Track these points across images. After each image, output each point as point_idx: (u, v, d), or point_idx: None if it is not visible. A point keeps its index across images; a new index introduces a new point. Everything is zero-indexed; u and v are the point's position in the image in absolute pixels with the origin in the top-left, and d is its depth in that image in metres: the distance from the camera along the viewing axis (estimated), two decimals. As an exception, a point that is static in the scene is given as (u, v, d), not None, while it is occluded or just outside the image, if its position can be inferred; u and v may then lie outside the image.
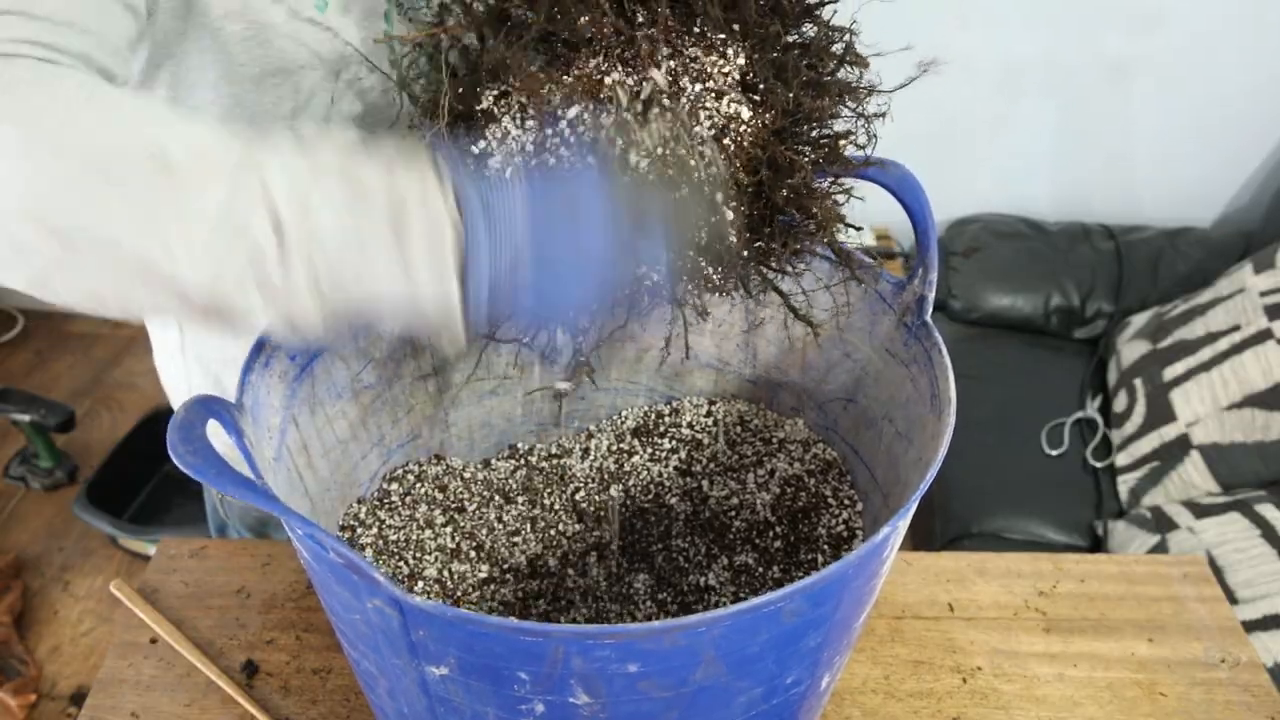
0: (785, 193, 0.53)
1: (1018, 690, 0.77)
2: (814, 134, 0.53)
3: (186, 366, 0.85)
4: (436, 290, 0.44)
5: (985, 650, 0.79)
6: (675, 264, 0.48)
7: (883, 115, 0.54)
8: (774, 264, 0.56)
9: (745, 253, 0.54)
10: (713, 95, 0.50)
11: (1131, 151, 2.01)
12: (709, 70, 0.50)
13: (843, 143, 0.54)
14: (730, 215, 0.51)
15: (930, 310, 0.61)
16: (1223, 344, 1.60)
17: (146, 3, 0.54)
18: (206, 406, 0.50)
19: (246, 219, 0.41)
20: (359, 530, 0.70)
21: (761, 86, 0.51)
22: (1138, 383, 1.70)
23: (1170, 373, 1.64)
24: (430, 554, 0.68)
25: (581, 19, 0.49)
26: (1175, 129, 1.96)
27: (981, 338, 1.93)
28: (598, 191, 0.46)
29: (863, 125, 0.54)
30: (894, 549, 0.53)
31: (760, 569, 0.66)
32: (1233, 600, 1.34)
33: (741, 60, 0.51)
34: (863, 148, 0.55)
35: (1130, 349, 1.77)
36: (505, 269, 0.44)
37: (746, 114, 0.51)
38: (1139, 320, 1.83)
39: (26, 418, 1.94)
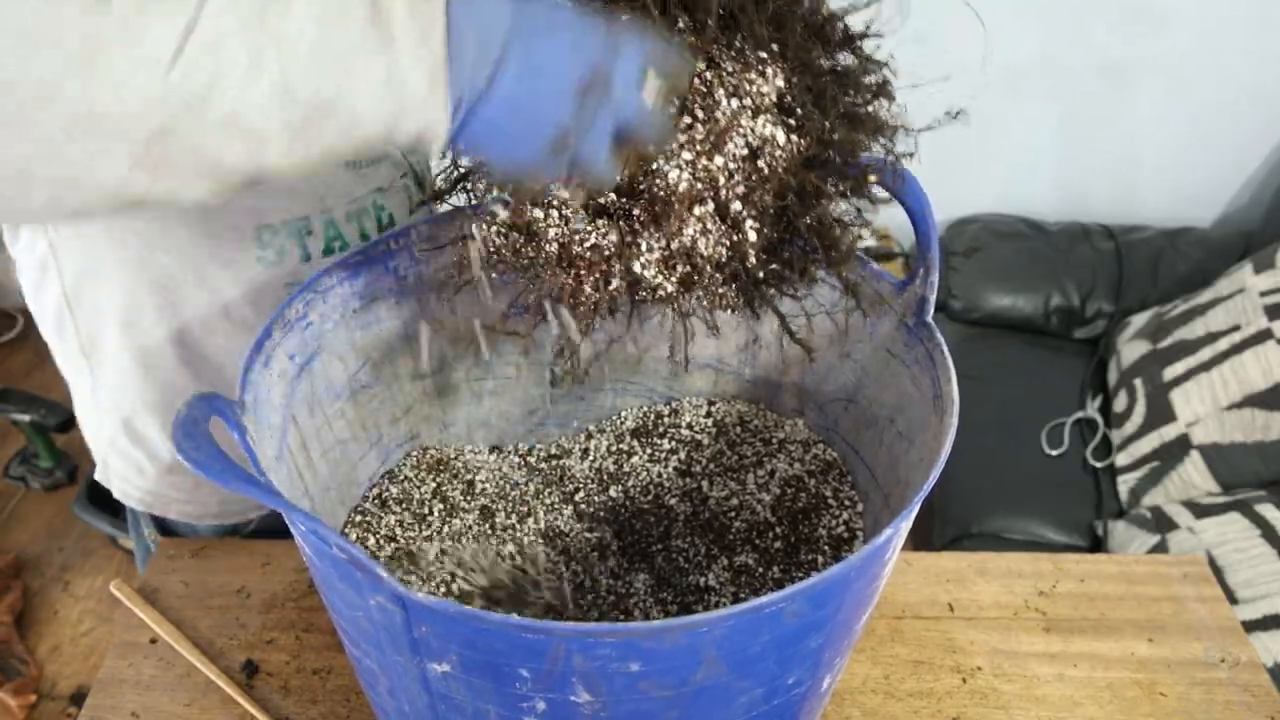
0: (809, 220, 0.52)
1: (1018, 690, 0.77)
2: (843, 166, 0.53)
3: (100, 414, 0.83)
4: (417, 65, 0.39)
5: (985, 650, 0.79)
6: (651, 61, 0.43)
7: (912, 155, 0.54)
8: (785, 288, 0.56)
9: (761, 274, 0.54)
10: (749, 113, 0.50)
11: (1132, 151, 2.01)
12: (747, 88, 0.50)
13: (871, 177, 0.53)
14: (752, 235, 0.51)
15: (932, 311, 0.61)
16: (1223, 344, 1.60)
17: None
18: (210, 403, 0.50)
19: (206, 29, 0.36)
20: (359, 530, 0.70)
21: (799, 111, 0.51)
22: (1138, 383, 1.70)
23: (1170, 373, 1.64)
24: (430, 553, 0.68)
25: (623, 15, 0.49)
26: (1175, 129, 1.96)
27: (981, 338, 1.93)
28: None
29: (891, 162, 0.53)
30: (896, 550, 0.53)
31: (760, 569, 0.66)
32: (1233, 600, 1.34)
33: (780, 82, 0.50)
34: (889, 187, 0.55)
35: (1130, 349, 1.77)
36: (495, 25, 0.40)
37: (781, 138, 0.50)
38: (1139, 320, 1.83)
39: (26, 418, 1.94)
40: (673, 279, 0.52)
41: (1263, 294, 1.59)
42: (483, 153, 0.43)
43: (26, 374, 2.43)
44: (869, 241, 2.09)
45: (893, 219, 2.03)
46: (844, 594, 0.49)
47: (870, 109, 0.52)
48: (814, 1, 0.50)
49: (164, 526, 0.92)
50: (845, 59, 0.52)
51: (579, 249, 0.52)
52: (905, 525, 0.50)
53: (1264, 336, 1.55)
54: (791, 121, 0.51)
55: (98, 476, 0.90)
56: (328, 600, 0.55)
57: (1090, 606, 0.83)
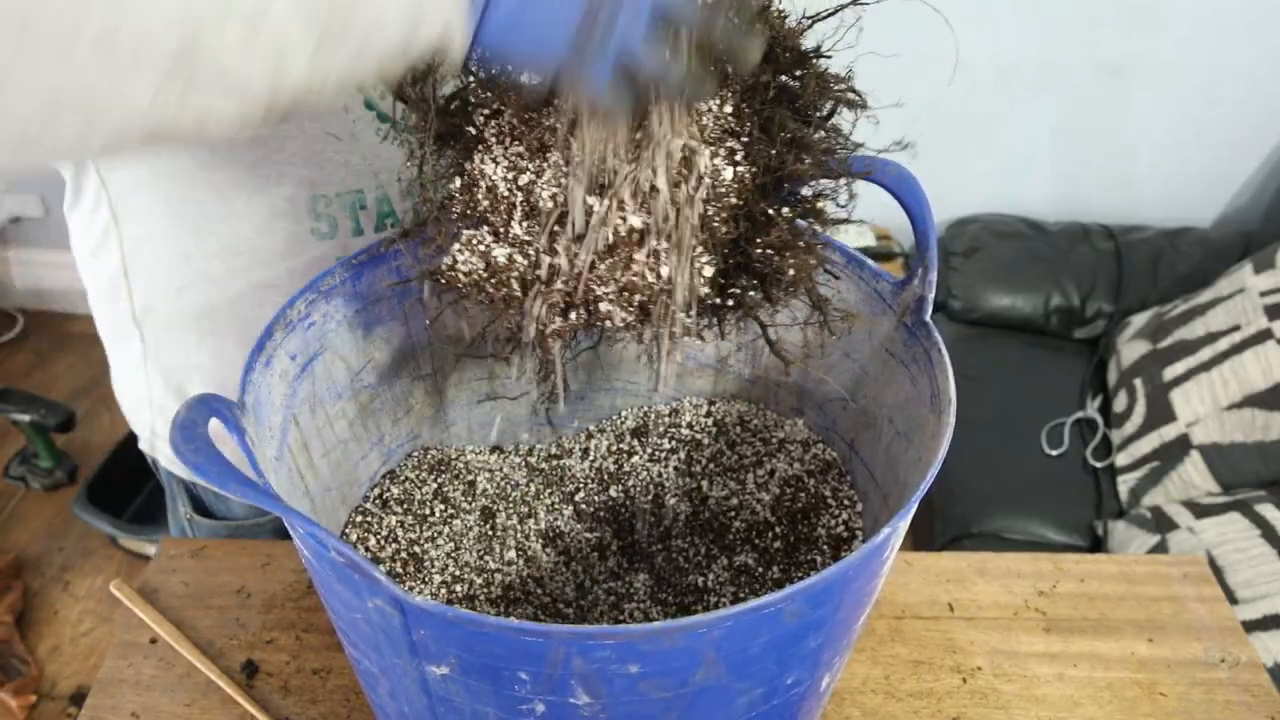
0: (761, 249, 0.52)
1: (1018, 690, 0.77)
2: (794, 193, 0.53)
3: (148, 380, 0.85)
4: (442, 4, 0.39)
5: (985, 650, 0.80)
6: None
7: (865, 176, 0.54)
8: (746, 312, 0.56)
9: (718, 300, 0.54)
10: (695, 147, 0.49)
11: (1131, 151, 2.01)
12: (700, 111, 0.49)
13: (822, 203, 0.53)
14: (707, 270, 0.51)
15: (930, 310, 0.61)
16: (1223, 344, 1.60)
17: None
18: (208, 405, 0.50)
19: None
20: (360, 530, 0.70)
21: (745, 140, 0.51)
22: (1138, 383, 1.70)
23: (1170, 373, 1.65)
24: (431, 554, 0.68)
25: None
26: (1175, 129, 1.97)
27: (981, 338, 1.94)
28: None
29: (845, 185, 0.53)
30: (894, 550, 0.53)
31: (760, 569, 0.66)
32: (1233, 600, 1.34)
33: (729, 109, 0.50)
34: (843, 206, 0.55)
35: (1130, 349, 1.77)
36: None
37: (729, 175, 0.50)
38: (1139, 320, 1.83)
39: (26, 418, 1.94)
40: (630, 309, 0.52)
41: (1263, 294, 1.59)
42: (505, 51, 0.43)
43: (26, 374, 2.43)
44: (869, 242, 2.09)
45: (893, 219, 2.03)
46: (843, 593, 0.49)
47: (822, 134, 0.52)
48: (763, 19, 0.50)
49: (199, 505, 0.94)
50: (795, 80, 0.51)
51: (538, 286, 0.52)
52: (903, 525, 0.50)
53: (1264, 336, 1.55)
54: (738, 150, 0.51)
55: (143, 447, 0.92)
56: (327, 602, 0.55)
57: (1090, 606, 0.83)
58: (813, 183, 0.53)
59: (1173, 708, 0.75)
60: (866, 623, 0.82)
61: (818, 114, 0.52)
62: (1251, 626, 1.31)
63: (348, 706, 0.75)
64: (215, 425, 0.49)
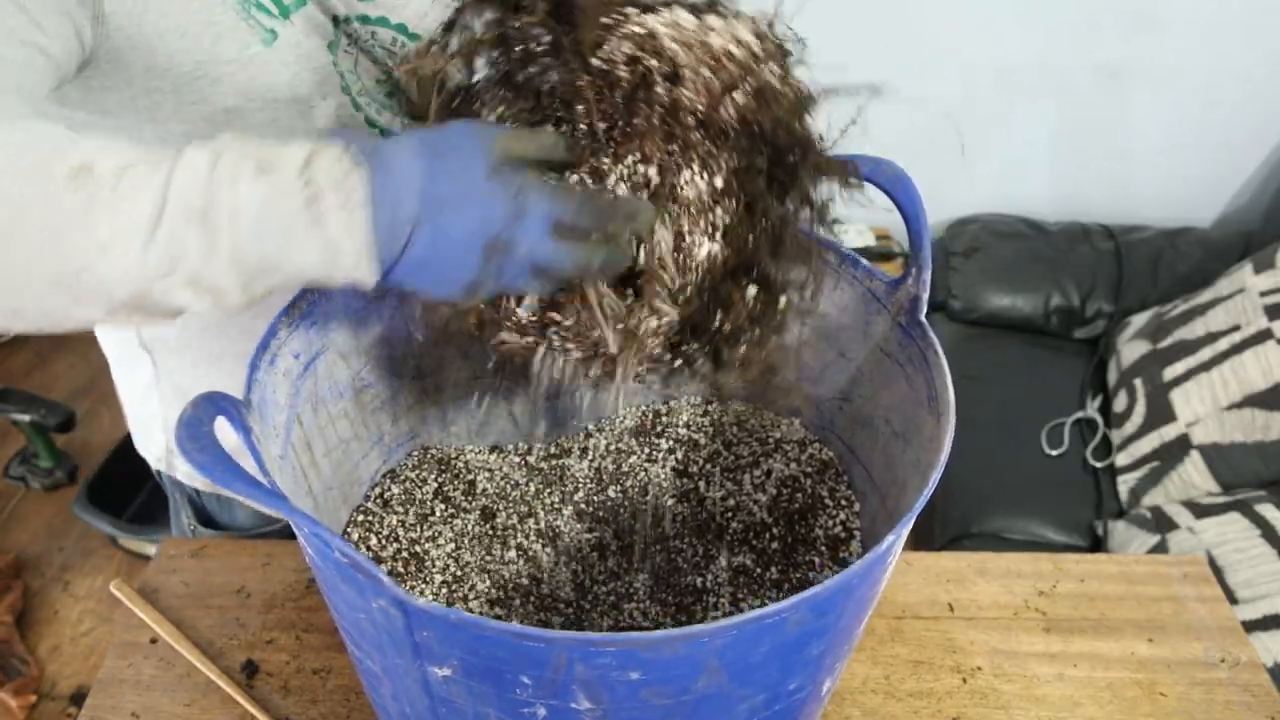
0: (718, 326, 0.53)
1: (1018, 690, 0.77)
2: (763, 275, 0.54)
3: (162, 402, 0.85)
4: (349, 238, 0.45)
5: (985, 650, 0.80)
6: (556, 211, 0.48)
7: (822, 270, 0.55)
8: (692, 375, 0.57)
9: (668, 357, 0.54)
10: (685, 211, 0.50)
11: (1131, 151, 2.01)
12: (686, 180, 0.50)
13: (786, 296, 0.54)
14: (666, 317, 0.52)
15: (925, 310, 0.61)
16: (1223, 344, 1.60)
17: (77, 54, 0.55)
18: (214, 403, 0.50)
19: (174, 217, 0.42)
20: (361, 529, 0.70)
21: (726, 221, 0.51)
22: (1138, 383, 1.70)
23: (1170, 373, 1.64)
24: (431, 553, 0.68)
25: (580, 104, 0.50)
26: (1175, 129, 1.96)
27: (981, 338, 1.93)
28: (476, 133, 0.48)
29: (811, 275, 0.54)
30: (896, 555, 0.53)
31: (758, 570, 0.66)
32: (1233, 600, 1.34)
33: (719, 182, 0.50)
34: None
35: (1130, 349, 1.77)
36: (405, 208, 0.45)
37: (703, 253, 0.51)
38: (1139, 320, 1.83)
39: (26, 418, 1.94)
40: (585, 350, 0.54)
41: (1263, 294, 1.59)
42: (416, 288, 0.48)
43: (26, 374, 2.43)
44: (870, 242, 2.09)
45: (892, 219, 2.03)
46: (846, 601, 0.49)
47: (798, 233, 0.52)
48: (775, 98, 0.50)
49: (203, 516, 0.93)
50: (790, 164, 0.52)
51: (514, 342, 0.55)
52: (906, 530, 0.50)
53: (1264, 336, 1.55)
54: (719, 230, 0.51)
55: (158, 466, 0.92)
56: (330, 602, 0.55)
57: (1090, 606, 0.83)
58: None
59: (1173, 708, 0.75)
60: (866, 622, 0.82)
61: (806, 203, 0.52)
62: (1251, 626, 1.31)
63: (348, 706, 0.75)
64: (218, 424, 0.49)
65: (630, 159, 0.50)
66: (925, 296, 0.60)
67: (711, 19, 0.50)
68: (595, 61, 0.49)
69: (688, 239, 0.50)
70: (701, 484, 0.72)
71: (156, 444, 0.89)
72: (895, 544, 0.49)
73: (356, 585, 0.47)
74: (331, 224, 0.44)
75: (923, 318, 0.60)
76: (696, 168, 0.50)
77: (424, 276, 0.47)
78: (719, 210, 0.51)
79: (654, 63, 0.48)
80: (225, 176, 0.43)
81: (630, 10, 0.49)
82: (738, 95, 0.49)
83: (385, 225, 0.45)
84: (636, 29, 0.49)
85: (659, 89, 0.49)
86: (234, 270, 0.44)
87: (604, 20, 0.49)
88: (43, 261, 0.42)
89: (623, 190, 0.50)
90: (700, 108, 0.49)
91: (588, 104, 0.49)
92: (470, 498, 0.73)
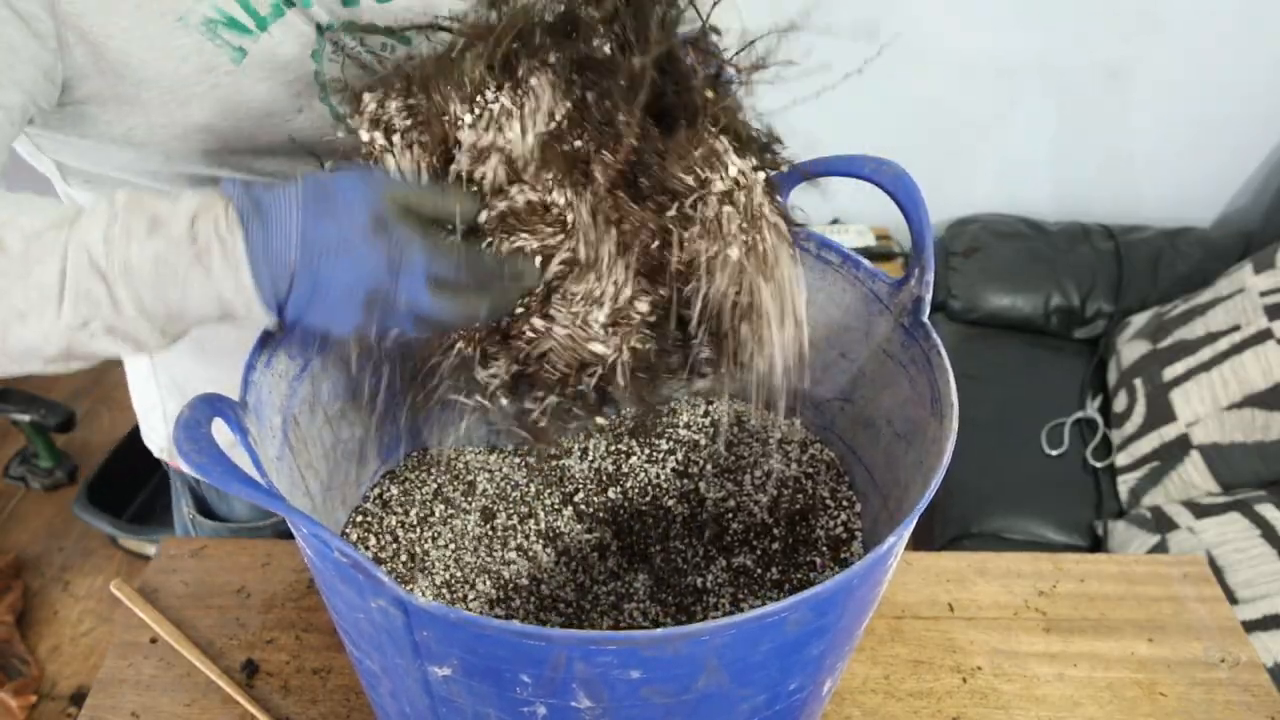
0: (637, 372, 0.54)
1: (1018, 690, 0.77)
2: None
3: (160, 392, 0.86)
4: (236, 290, 0.48)
5: (985, 650, 0.80)
6: (433, 269, 0.49)
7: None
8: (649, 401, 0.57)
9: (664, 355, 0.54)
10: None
11: (1131, 152, 2.01)
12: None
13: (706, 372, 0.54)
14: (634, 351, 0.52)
15: (928, 311, 0.60)
16: (1223, 344, 1.60)
17: (52, 92, 0.57)
18: (211, 405, 0.50)
19: (78, 277, 0.46)
20: (360, 530, 0.70)
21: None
22: (1138, 383, 1.70)
23: (1170, 373, 1.65)
24: (431, 554, 0.68)
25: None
26: (1175, 129, 1.97)
27: (981, 338, 1.94)
28: (363, 184, 0.49)
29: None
30: (897, 556, 0.53)
31: (759, 570, 0.66)
32: (1233, 600, 1.34)
33: (644, 307, 0.51)
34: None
35: (1130, 349, 1.77)
36: (284, 258, 0.48)
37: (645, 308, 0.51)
38: (1139, 320, 1.83)
39: (26, 418, 1.94)
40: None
41: (1263, 294, 1.59)
42: (307, 326, 0.50)
43: (26, 374, 2.43)
44: (870, 242, 2.09)
45: (893, 219, 2.03)
46: (847, 602, 0.49)
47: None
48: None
49: (202, 506, 0.94)
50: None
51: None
52: (907, 532, 0.50)
53: (1264, 336, 1.55)
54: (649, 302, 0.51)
55: (160, 455, 0.93)
56: (330, 602, 0.55)
57: (1090, 606, 0.83)
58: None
59: (1173, 708, 0.75)
60: (867, 625, 0.82)
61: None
62: (1251, 626, 1.31)
63: (348, 706, 0.75)
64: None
65: (536, 240, 0.50)
66: (928, 297, 0.60)
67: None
68: (675, 174, 0.49)
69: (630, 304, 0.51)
70: (701, 485, 0.72)
71: (158, 433, 0.90)
72: (896, 545, 0.49)
73: (356, 585, 0.47)
74: (218, 276, 0.47)
75: (926, 319, 0.60)
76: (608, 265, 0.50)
77: (314, 318, 0.50)
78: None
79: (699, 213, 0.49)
80: (119, 235, 0.47)
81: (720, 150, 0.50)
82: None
83: (266, 276, 0.48)
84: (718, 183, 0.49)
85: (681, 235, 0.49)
86: (144, 319, 0.48)
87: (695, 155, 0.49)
88: None
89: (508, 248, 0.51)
90: (682, 264, 0.50)
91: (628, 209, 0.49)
92: (470, 498, 0.72)
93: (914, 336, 0.61)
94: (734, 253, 0.49)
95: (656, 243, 0.50)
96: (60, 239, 0.47)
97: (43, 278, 0.47)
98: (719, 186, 0.49)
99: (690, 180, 0.49)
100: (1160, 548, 1.46)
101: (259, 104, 0.63)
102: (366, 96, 0.52)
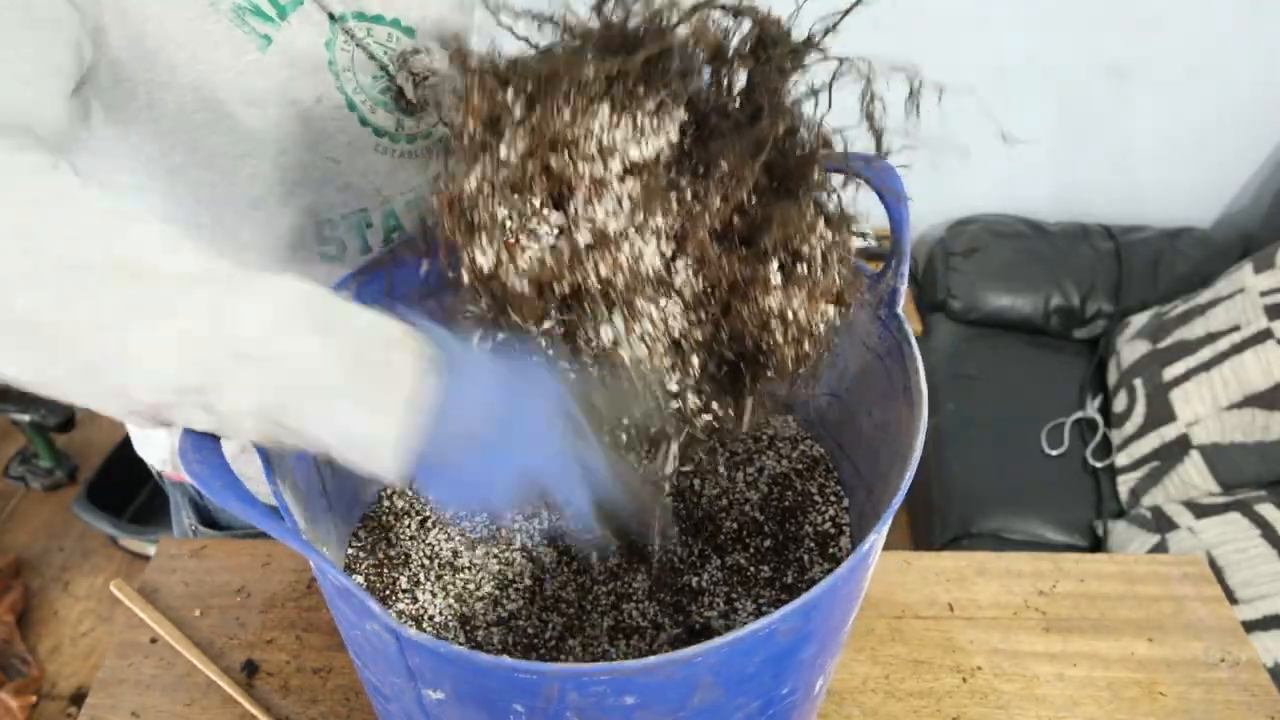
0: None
1: (1018, 690, 0.77)
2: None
3: None
4: (396, 437, 0.42)
5: (985, 650, 0.80)
6: (604, 475, 0.46)
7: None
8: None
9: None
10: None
11: (1131, 151, 2.01)
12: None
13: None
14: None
15: (902, 302, 0.61)
16: (1223, 344, 1.60)
17: (77, 72, 0.55)
18: None
19: (211, 342, 0.40)
20: (369, 531, 0.70)
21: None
22: (1138, 383, 1.70)
23: (1170, 373, 1.65)
24: (432, 556, 0.68)
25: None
26: (1175, 129, 1.96)
27: (981, 338, 1.94)
28: (553, 380, 0.46)
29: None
30: (878, 551, 0.53)
31: (751, 568, 0.67)
32: (1233, 600, 1.34)
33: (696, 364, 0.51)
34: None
35: (1130, 349, 1.77)
36: (458, 430, 0.43)
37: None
38: (1139, 320, 1.83)
39: (26, 418, 1.94)
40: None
41: (1263, 294, 1.59)
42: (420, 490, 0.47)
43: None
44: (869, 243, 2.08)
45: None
46: (834, 603, 0.50)
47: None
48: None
49: (204, 516, 0.93)
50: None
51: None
52: (885, 527, 0.50)
53: (1264, 336, 1.55)
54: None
55: (160, 468, 0.91)
56: (334, 613, 0.56)
57: (1090, 606, 0.83)
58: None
59: (1173, 708, 0.75)
60: (866, 622, 0.82)
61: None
62: (1251, 626, 1.31)
63: (348, 706, 0.75)
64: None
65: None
66: (903, 288, 0.61)
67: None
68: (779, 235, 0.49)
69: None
70: (696, 481, 0.73)
71: (158, 445, 0.89)
72: (877, 542, 0.49)
73: (352, 606, 0.47)
74: (387, 409, 0.41)
75: (900, 310, 0.61)
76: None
77: (447, 490, 0.45)
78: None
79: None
80: (286, 322, 0.41)
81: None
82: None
83: (443, 436, 0.42)
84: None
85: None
86: (255, 417, 0.42)
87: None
88: (76, 348, 0.41)
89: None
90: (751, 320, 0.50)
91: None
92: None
93: (889, 328, 0.62)
94: (830, 310, 0.51)
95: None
96: (218, 295, 0.41)
97: (183, 327, 0.40)
98: (813, 252, 0.50)
99: (790, 242, 0.49)
100: (1160, 548, 1.46)
101: (279, 92, 0.64)
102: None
